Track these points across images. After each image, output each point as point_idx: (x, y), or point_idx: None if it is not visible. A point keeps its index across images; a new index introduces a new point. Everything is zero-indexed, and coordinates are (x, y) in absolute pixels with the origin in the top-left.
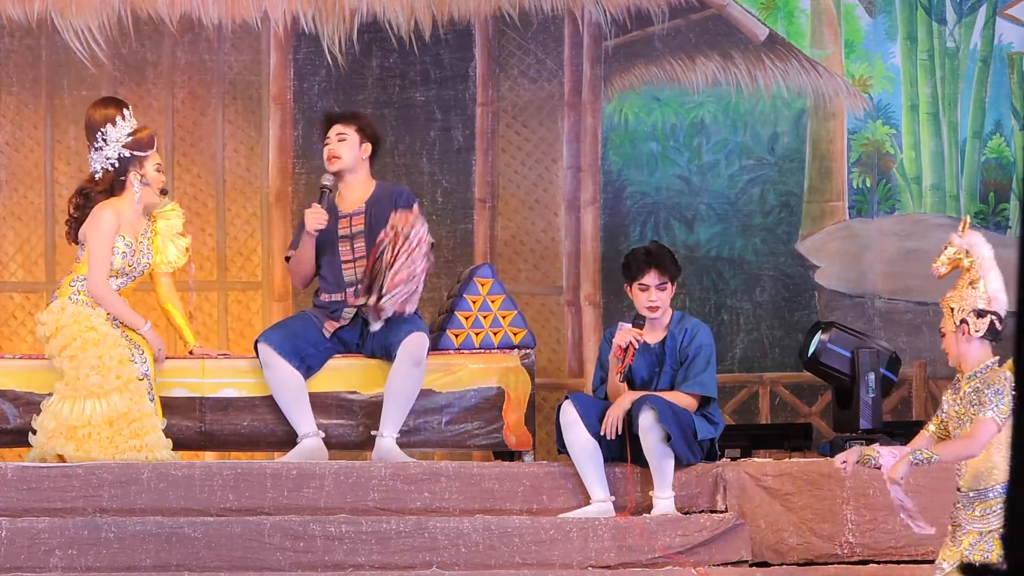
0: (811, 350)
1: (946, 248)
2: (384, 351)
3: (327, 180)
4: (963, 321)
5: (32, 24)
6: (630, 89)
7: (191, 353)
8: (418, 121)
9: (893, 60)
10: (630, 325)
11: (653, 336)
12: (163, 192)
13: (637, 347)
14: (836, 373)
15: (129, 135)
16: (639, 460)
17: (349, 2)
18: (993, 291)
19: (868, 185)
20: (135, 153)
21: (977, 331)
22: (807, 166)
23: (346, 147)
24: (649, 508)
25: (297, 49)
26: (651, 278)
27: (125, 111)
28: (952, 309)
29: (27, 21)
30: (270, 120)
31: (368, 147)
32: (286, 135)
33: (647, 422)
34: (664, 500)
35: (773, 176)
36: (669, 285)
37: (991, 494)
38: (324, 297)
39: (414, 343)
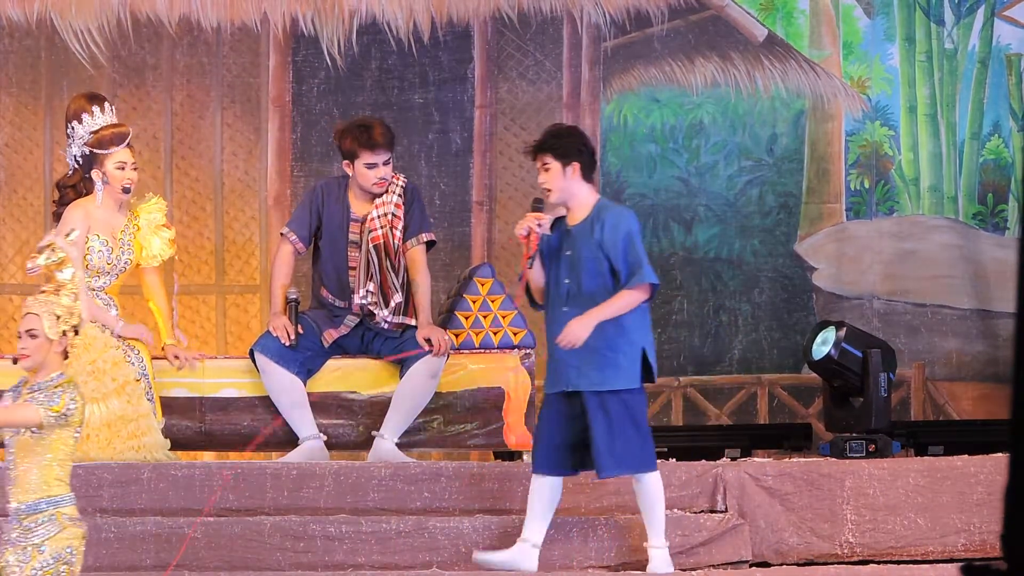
0: (827, 349)
1: (48, 249)
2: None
3: (292, 293)
4: (64, 333)
5: (32, 25)
6: (629, 90)
7: (163, 349)
8: (416, 123)
9: (891, 61)
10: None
11: (572, 219)
12: (125, 191)
13: (539, 231)
14: (848, 372)
15: (92, 132)
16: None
17: (348, 4)
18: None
19: (866, 186)
20: (95, 151)
21: (65, 346)
22: (805, 167)
23: (389, 171)
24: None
25: (296, 51)
26: (538, 160)
27: (96, 107)
28: (57, 316)
29: (27, 22)
30: (269, 122)
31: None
32: (285, 137)
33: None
34: (658, 551)
35: (772, 177)
36: (554, 164)
37: (41, 506)
38: (327, 295)
39: (437, 358)
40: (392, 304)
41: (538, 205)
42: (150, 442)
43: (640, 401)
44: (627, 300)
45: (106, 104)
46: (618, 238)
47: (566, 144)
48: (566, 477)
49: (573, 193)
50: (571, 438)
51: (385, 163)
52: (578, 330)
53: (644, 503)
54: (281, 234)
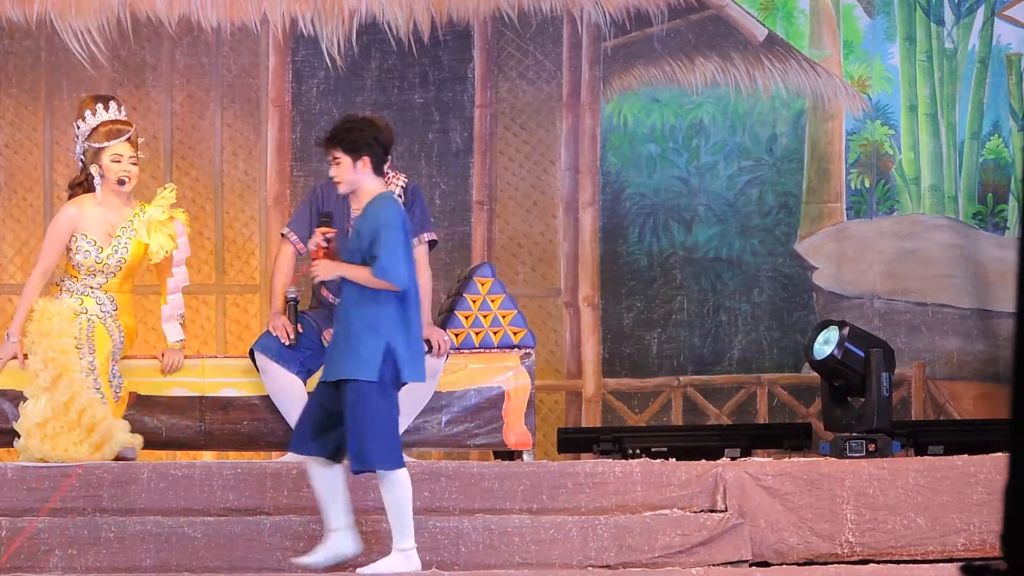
0: (830, 349)
1: None
2: None
3: (291, 292)
4: None
5: (31, 26)
6: (629, 90)
7: (162, 352)
8: (416, 123)
9: (892, 61)
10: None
11: (356, 211)
12: (120, 183)
13: (326, 245)
14: (850, 372)
15: (92, 128)
16: None
17: (348, 4)
18: None
19: (867, 186)
20: (92, 145)
21: None
22: (806, 167)
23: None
24: None
25: (296, 51)
26: (329, 154)
27: (100, 105)
28: None
29: (26, 23)
30: (268, 122)
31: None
32: (284, 137)
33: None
34: (402, 553)
35: (772, 177)
36: (344, 158)
37: None
38: (327, 295)
39: (436, 358)
40: None
41: (326, 219)
42: (104, 428)
43: (380, 396)
44: (365, 276)
45: (112, 103)
46: (373, 229)
47: (357, 138)
48: (559, 479)
49: (362, 186)
50: (324, 423)
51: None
52: (325, 266)
53: (387, 502)
54: (282, 235)
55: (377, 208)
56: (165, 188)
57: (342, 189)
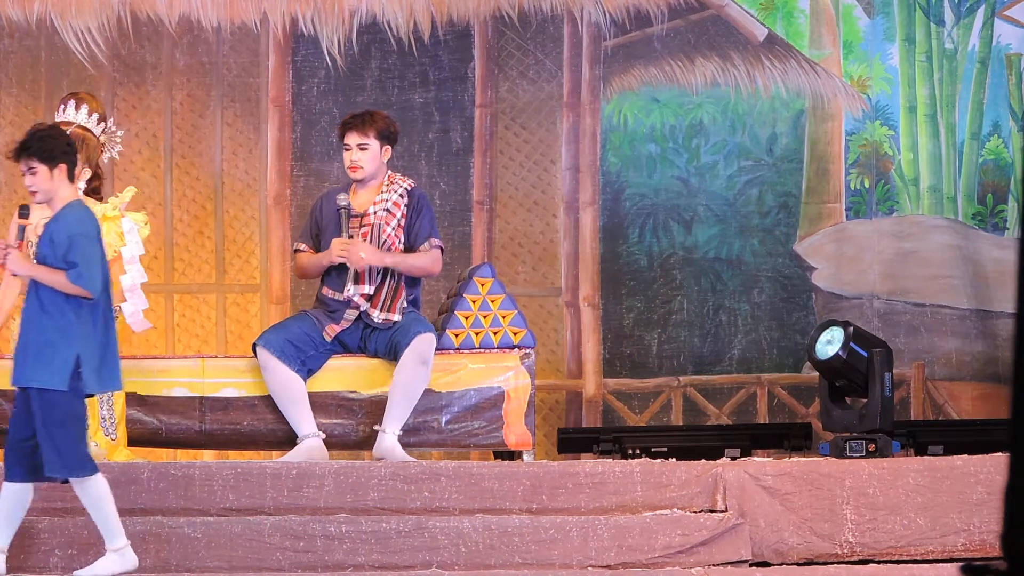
0: (834, 349)
1: None
2: (391, 351)
3: (343, 200)
4: None
5: (32, 25)
6: (629, 90)
7: None
8: (417, 123)
9: (891, 61)
10: None
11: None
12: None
13: (22, 239)
14: (854, 372)
15: None
16: None
17: (348, 3)
18: None
19: (866, 186)
20: None
21: None
22: (805, 167)
23: (367, 157)
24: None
25: (296, 51)
26: (23, 163)
27: (60, 107)
28: None
29: (27, 22)
30: (269, 122)
31: (388, 149)
32: (284, 137)
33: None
34: (112, 553)
35: (771, 177)
36: (40, 167)
37: None
38: (328, 293)
39: (424, 342)
40: (361, 292)
41: (24, 212)
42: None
43: (69, 405)
44: (59, 280)
45: (72, 102)
46: (64, 238)
47: (52, 146)
48: (559, 479)
49: (57, 194)
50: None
51: (361, 147)
52: (17, 258)
53: (88, 507)
54: (295, 251)
55: (71, 215)
56: (125, 191)
57: (39, 198)
